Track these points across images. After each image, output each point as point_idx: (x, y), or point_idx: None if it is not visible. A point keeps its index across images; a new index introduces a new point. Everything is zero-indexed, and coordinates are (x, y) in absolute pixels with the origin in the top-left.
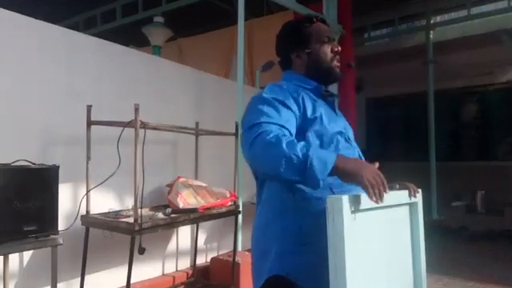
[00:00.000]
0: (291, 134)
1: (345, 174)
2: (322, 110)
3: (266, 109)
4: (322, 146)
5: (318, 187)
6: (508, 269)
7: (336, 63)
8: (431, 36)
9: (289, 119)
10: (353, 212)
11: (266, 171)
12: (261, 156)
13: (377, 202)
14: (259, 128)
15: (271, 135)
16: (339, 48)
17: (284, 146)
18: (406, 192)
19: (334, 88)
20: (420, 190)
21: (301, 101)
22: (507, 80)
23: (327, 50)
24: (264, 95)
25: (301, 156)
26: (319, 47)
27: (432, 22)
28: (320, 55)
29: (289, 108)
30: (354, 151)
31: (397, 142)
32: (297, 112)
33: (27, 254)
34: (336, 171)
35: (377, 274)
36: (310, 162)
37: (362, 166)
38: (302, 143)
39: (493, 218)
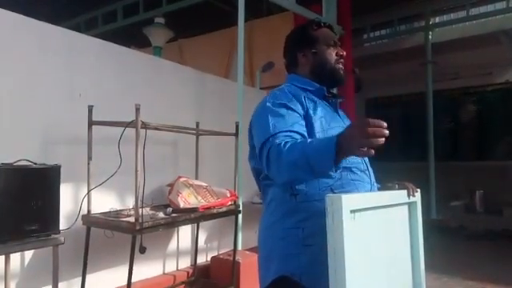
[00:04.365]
0: (302, 134)
1: (348, 154)
2: (324, 111)
3: (270, 119)
4: None
5: (335, 172)
6: (506, 268)
7: (340, 66)
8: (430, 37)
9: (295, 121)
10: (352, 211)
11: (287, 182)
12: (277, 173)
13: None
14: (268, 145)
15: (276, 149)
16: (344, 52)
17: (284, 155)
18: (404, 191)
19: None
20: (419, 190)
21: (303, 101)
22: (506, 80)
23: (332, 52)
24: (267, 104)
25: (299, 156)
26: (325, 49)
27: (431, 22)
28: (325, 56)
29: (293, 110)
30: None
31: (396, 142)
32: (301, 111)
33: (28, 254)
34: (340, 158)
35: (376, 273)
36: (312, 157)
37: (351, 142)
38: (301, 142)
39: (491, 217)
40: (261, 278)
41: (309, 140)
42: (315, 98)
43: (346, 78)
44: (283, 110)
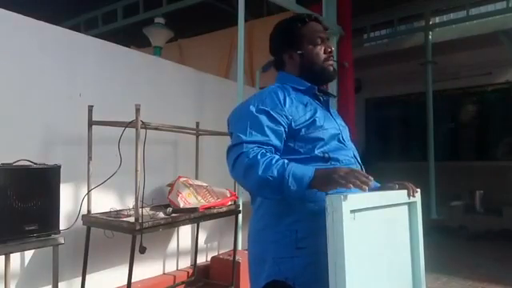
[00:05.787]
0: (276, 148)
1: (321, 184)
2: (315, 111)
3: (249, 124)
4: (316, 147)
5: (300, 201)
6: (506, 268)
7: (329, 63)
8: (430, 37)
9: (274, 131)
10: (352, 211)
11: (248, 191)
12: (241, 178)
13: (362, 189)
14: (240, 148)
15: (250, 156)
16: (332, 48)
17: (261, 169)
18: (404, 191)
19: (333, 88)
20: (419, 190)
21: (290, 104)
22: (506, 80)
23: (320, 51)
24: (250, 107)
25: (277, 176)
26: (312, 48)
27: (431, 22)
28: (312, 56)
29: (274, 119)
30: (347, 152)
31: (396, 142)
32: (284, 120)
33: (28, 254)
34: (314, 185)
35: (376, 273)
36: (286, 181)
37: (333, 170)
38: (281, 162)
39: (491, 217)
40: (251, 282)
41: (286, 162)
42: (307, 98)
43: (336, 73)
44: (263, 118)
